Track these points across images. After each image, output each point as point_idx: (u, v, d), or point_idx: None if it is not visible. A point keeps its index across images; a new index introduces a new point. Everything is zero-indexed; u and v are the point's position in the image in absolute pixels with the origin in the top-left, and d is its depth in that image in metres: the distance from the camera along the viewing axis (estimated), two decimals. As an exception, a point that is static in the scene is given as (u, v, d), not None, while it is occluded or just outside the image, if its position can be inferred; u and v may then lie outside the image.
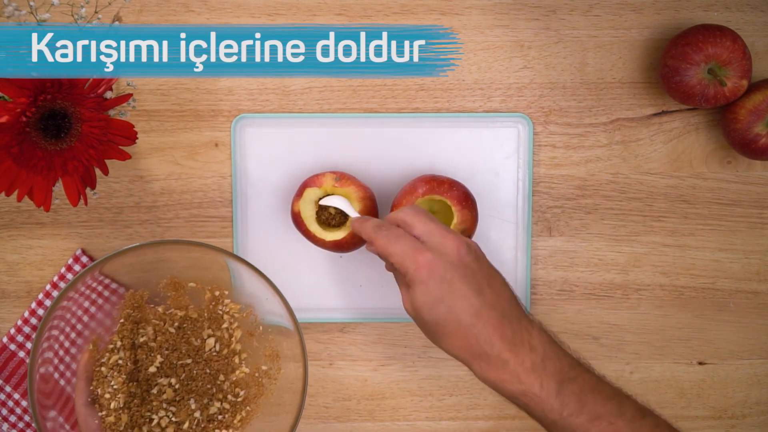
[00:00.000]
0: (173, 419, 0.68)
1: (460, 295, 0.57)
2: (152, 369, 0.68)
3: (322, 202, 0.69)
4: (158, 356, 0.68)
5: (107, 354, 0.68)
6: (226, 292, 0.71)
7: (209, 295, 0.71)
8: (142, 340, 0.69)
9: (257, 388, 0.70)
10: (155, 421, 0.68)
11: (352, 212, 0.68)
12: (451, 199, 0.68)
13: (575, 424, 0.56)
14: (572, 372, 0.57)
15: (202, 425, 0.69)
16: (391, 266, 0.61)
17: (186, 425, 0.68)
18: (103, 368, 0.68)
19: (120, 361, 0.68)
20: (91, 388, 0.68)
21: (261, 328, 0.71)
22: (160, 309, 0.70)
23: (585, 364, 0.59)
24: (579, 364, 0.58)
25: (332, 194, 0.70)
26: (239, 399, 0.70)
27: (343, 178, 0.69)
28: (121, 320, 0.69)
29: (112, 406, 0.67)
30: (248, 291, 0.70)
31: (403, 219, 0.60)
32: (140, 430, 0.68)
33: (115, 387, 0.67)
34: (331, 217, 0.70)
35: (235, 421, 0.69)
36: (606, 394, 0.57)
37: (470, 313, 0.56)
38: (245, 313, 0.71)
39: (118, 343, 0.69)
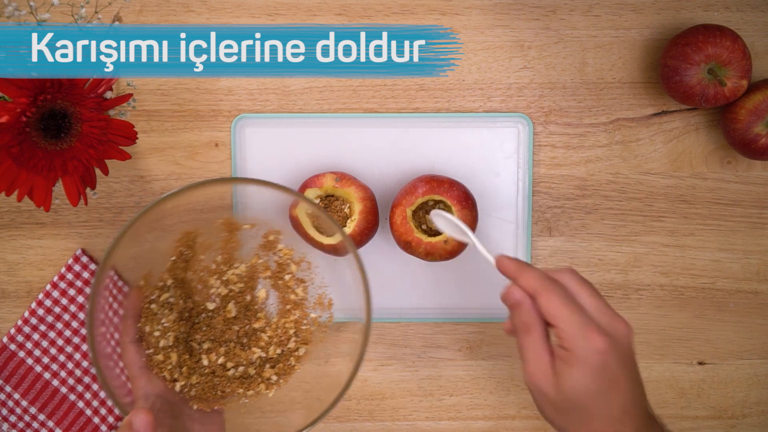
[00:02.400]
0: (220, 361, 0.66)
1: (618, 390, 0.52)
2: (203, 312, 0.66)
3: (435, 220, 0.66)
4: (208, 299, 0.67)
5: (157, 291, 0.66)
6: (281, 236, 0.69)
7: (263, 241, 0.69)
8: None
9: (306, 335, 0.68)
10: (203, 361, 0.66)
11: (472, 238, 0.63)
12: (451, 199, 0.68)
13: None
14: None
15: (250, 371, 0.66)
16: (523, 327, 0.55)
17: (234, 370, 0.66)
18: (153, 305, 0.65)
19: (171, 299, 0.65)
20: (139, 325, 0.65)
21: (314, 276, 0.69)
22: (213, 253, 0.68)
23: None
24: None
25: (332, 194, 0.70)
26: (287, 347, 0.67)
27: (343, 178, 0.69)
28: (173, 258, 0.67)
29: (161, 344, 0.64)
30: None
31: (567, 284, 0.55)
32: (188, 370, 0.65)
33: (165, 325, 0.64)
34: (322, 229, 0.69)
35: (283, 367, 0.67)
36: None
37: (620, 410, 0.52)
38: (299, 260, 0.69)
39: (169, 281, 0.66)
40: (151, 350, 0.65)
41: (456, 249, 0.68)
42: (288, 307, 0.69)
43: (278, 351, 0.67)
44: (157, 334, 0.65)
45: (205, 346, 0.67)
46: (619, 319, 0.54)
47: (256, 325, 0.68)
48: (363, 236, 0.69)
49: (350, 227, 0.69)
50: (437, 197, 0.68)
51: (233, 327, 0.68)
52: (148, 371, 0.64)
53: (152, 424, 0.56)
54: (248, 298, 0.69)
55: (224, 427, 0.65)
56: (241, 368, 0.66)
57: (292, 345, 0.68)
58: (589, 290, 0.55)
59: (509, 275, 0.57)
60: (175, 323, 0.65)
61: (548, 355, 0.53)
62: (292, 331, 0.68)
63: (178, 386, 0.65)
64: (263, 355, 0.67)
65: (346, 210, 0.69)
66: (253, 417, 0.67)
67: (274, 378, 0.67)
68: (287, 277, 0.69)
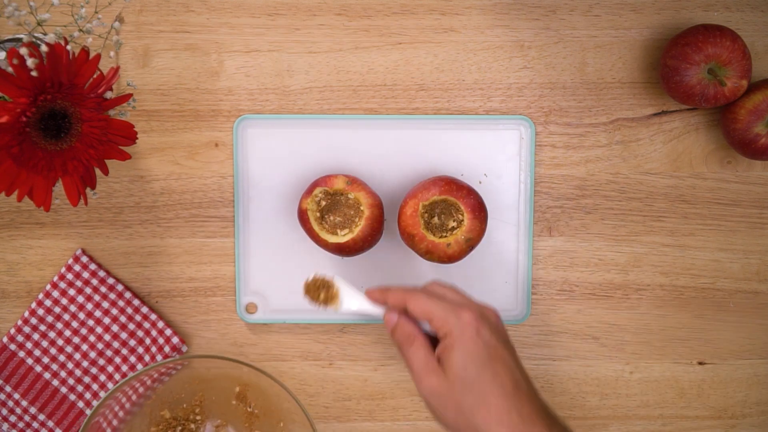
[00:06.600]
0: None
1: (503, 362, 0.54)
2: None
3: (346, 308, 0.63)
4: None
5: None
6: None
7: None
8: None
9: None
10: None
11: (372, 309, 0.63)
12: (466, 206, 0.68)
13: None
14: None
15: None
16: (405, 341, 0.58)
17: None
18: None
19: None
20: None
21: None
22: None
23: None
24: None
25: (341, 192, 0.69)
26: None
27: (354, 182, 0.69)
28: None
29: None
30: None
31: (432, 288, 0.59)
32: None
33: None
34: (333, 227, 0.69)
35: None
36: None
37: (512, 384, 0.54)
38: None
39: None
40: None
41: (456, 254, 0.68)
42: None
43: None
44: None
45: None
46: (485, 304, 0.58)
47: None
48: (365, 243, 0.69)
49: (354, 232, 0.68)
50: (452, 200, 0.68)
51: None
52: None
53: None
54: None
55: None
56: None
57: None
58: (453, 290, 0.59)
59: (380, 302, 0.60)
60: None
61: (432, 356, 0.55)
62: None
63: None
64: None
65: (352, 213, 0.69)
66: None
67: None
68: None
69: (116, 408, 0.71)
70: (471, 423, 0.53)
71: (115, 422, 0.72)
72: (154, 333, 0.74)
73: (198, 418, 0.75)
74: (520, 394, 0.53)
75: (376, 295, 0.60)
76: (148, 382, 0.72)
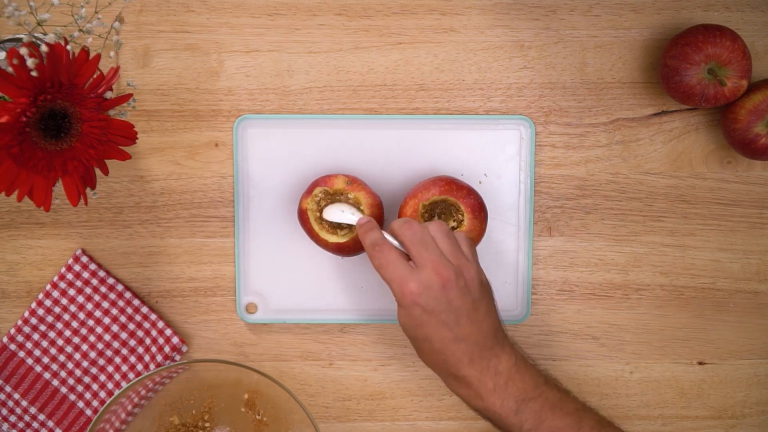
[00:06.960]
0: None
1: (436, 326, 0.61)
2: None
3: (326, 216, 0.68)
4: None
5: None
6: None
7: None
8: None
9: None
10: None
11: (356, 215, 0.68)
12: (466, 206, 0.68)
13: None
14: (534, 392, 0.62)
15: None
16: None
17: None
18: None
19: None
20: None
21: None
22: None
23: (551, 381, 0.64)
24: (545, 382, 0.63)
25: (337, 200, 0.69)
26: None
27: (354, 182, 0.69)
28: None
29: None
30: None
31: (407, 244, 0.63)
32: None
33: None
34: (334, 225, 0.69)
35: None
36: (567, 410, 0.62)
37: (442, 342, 0.62)
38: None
39: None
40: None
41: None
42: None
43: None
44: None
45: None
46: (442, 268, 0.61)
47: None
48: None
49: (354, 232, 0.68)
50: (452, 199, 0.68)
51: None
52: None
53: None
54: None
55: None
56: None
57: None
58: (421, 247, 0.62)
59: (361, 238, 0.66)
60: None
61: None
62: None
63: None
64: None
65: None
66: None
67: None
68: None
69: (121, 413, 0.72)
70: (418, 356, 0.65)
71: (117, 424, 0.72)
72: (154, 333, 0.74)
73: (207, 425, 0.75)
74: (448, 349, 0.62)
75: (361, 232, 0.66)
76: (150, 385, 0.72)
